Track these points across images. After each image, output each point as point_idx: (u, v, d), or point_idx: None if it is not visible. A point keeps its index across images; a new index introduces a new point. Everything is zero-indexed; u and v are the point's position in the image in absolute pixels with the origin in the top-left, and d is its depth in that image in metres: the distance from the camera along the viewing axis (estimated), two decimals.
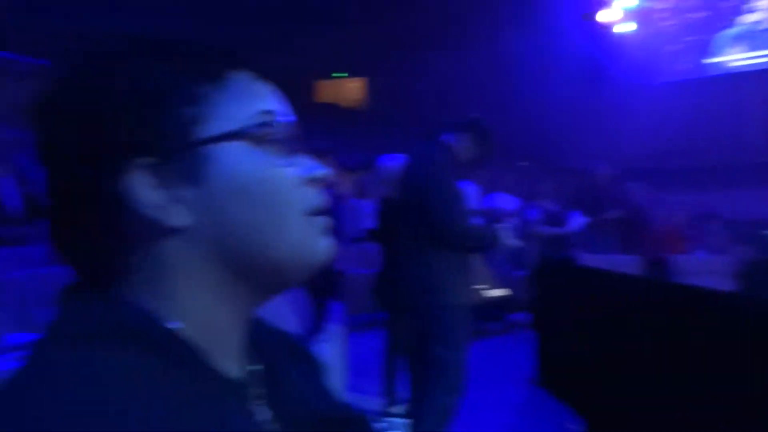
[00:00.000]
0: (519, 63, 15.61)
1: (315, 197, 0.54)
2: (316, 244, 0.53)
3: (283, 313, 2.70)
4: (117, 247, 0.48)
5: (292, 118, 0.55)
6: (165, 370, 0.44)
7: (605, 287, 3.55)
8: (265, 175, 0.50)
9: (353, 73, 28.24)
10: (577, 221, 6.16)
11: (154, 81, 0.48)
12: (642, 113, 14.02)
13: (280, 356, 0.63)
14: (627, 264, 4.87)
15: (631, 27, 14.48)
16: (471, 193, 5.57)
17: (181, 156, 0.48)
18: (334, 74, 28.06)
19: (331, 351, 2.06)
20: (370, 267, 6.51)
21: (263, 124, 0.51)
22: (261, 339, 0.61)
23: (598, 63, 14.81)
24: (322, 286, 6.25)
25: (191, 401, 0.44)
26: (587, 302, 3.68)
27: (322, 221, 0.54)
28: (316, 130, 18.36)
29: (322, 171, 0.54)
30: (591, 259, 4.90)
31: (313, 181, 0.54)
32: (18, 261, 3.76)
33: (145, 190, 0.47)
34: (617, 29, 14.73)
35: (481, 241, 2.60)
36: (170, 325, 0.47)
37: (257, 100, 0.52)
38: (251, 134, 0.50)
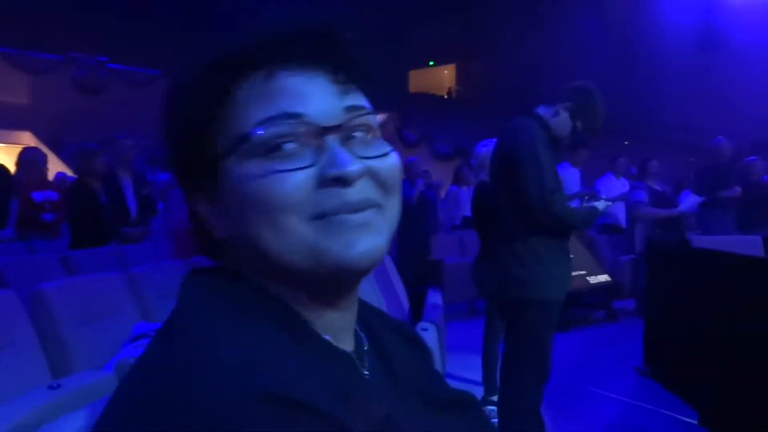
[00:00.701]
0: (625, 34, 14.78)
1: (329, 199, 0.50)
2: (330, 246, 0.50)
3: (382, 304, 2.76)
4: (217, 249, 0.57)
5: (317, 115, 0.51)
6: (289, 339, 0.50)
7: (722, 270, 3.32)
8: (257, 188, 0.50)
9: (446, 61, 28.05)
10: (689, 201, 5.77)
11: (178, 112, 0.55)
12: (763, 81, 12.82)
13: (394, 341, 0.68)
14: (747, 245, 4.50)
15: None
16: (570, 179, 5.40)
17: (202, 178, 0.54)
18: (431, 63, 28.04)
19: (430, 340, 2.08)
20: (468, 255, 6.51)
21: (258, 133, 0.50)
22: (375, 325, 0.67)
23: (714, 31, 13.67)
24: (420, 275, 6.33)
25: (315, 365, 0.49)
26: (702, 287, 3.46)
27: (342, 222, 0.51)
28: (411, 119, 18.36)
29: (340, 170, 0.50)
30: (706, 241, 4.56)
31: (328, 180, 0.50)
32: (139, 257, 4.11)
33: (199, 206, 0.55)
34: None
35: (574, 219, 2.38)
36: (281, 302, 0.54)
37: (261, 105, 0.51)
38: (246, 146, 0.50)
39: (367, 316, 0.67)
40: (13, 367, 1.97)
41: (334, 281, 0.53)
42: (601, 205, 2.50)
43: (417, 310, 3.02)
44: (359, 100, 0.55)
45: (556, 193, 2.28)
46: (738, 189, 6.09)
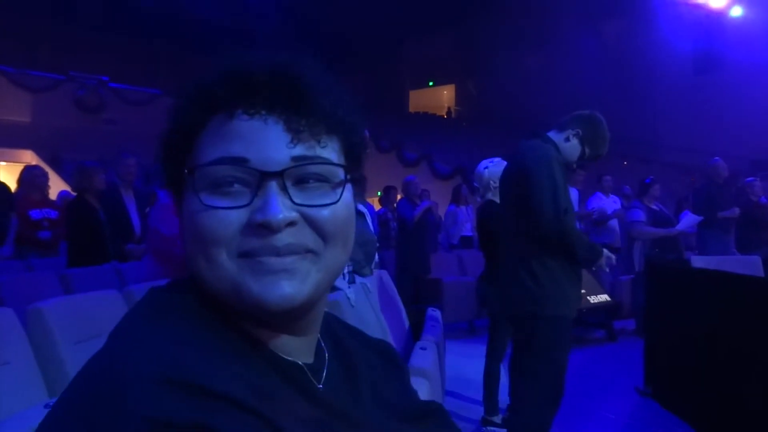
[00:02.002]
0: (623, 55, 14.91)
1: (253, 241, 0.53)
2: (249, 286, 0.53)
3: (382, 322, 2.75)
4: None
5: (259, 161, 0.53)
6: (221, 344, 0.53)
7: (722, 291, 3.31)
8: (196, 218, 0.54)
9: (445, 81, 28.28)
10: (687, 221, 5.78)
11: (168, 136, 0.59)
12: (763, 102, 12.90)
13: (365, 356, 0.70)
14: (746, 265, 4.50)
15: (741, 11, 13.38)
16: (572, 198, 5.42)
17: (173, 188, 0.59)
18: (431, 83, 28.27)
19: (429, 358, 2.07)
20: (466, 274, 6.50)
21: (205, 169, 0.54)
22: (345, 339, 0.70)
23: (712, 51, 13.80)
24: (419, 294, 6.31)
25: (239, 366, 0.51)
26: (702, 307, 3.45)
27: (264, 264, 0.53)
28: (410, 138, 18.44)
29: (267, 217, 0.52)
30: (706, 261, 4.56)
31: (257, 225, 0.52)
32: (137, 275, 4.09)
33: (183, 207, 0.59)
34: (733, 13, 13.64)
35: (580, 244, 2.42)
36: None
37: (215, 145, 0.55)
38: (197, 179, 0.54)
39: (339, 331, 0.71)
40: (9, 386, 1.95)
41: (259, 315, 0.55)
42: (606, 253, 2.54)
43: (417, 328, 3.01)
44: (313, 149, 0.55)
45: (569, 212, 2.35)
46: (736, 210, 6.10)
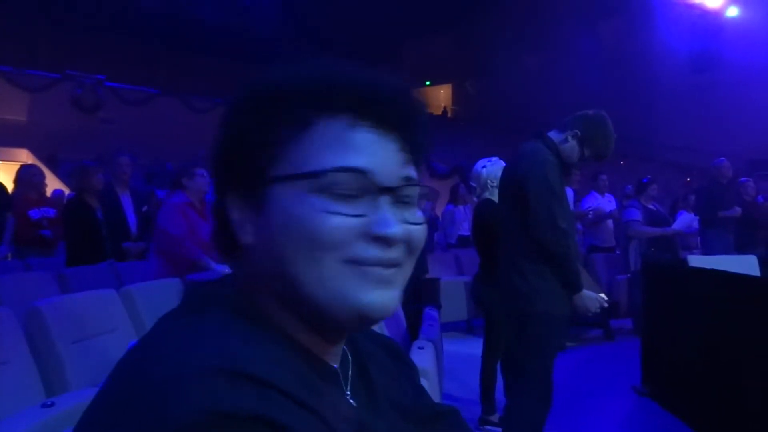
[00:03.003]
0: (621, 55, 14.93)
1: (371, 250, 0.54)
2: (357, 293, 0.54)
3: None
4: (231, 252, 0.60)
5: (381, 176, 0.56)
6: (270, 342, 0.53)
7: (718, 290, 3.33)
8: (306, 217, 0.53)
9: (442, 81, 28.28)
10: (685, 220, 5.79)
11: (244, 126, 0.57)
12: (759, 102, 12.92)
13: (378, 356, 0.71)
14: (743, 264, 4.51)
15: (737, 11, 13.40)
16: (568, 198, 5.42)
17: (256, 188, 0.56)
18: (427, 83, 28.26)
19: (427, 358, 2.08)
20: (464, 274, 6.50)
21: (314, 174, 0.54)
22: (359, 339, 0.70)
23: (708, 51, 13.81)
24: (417, 293, 6.31)
25: (289, 364, 0.51)
26: (698, 306, 3.46)
27: (374, 275, 0.55)
28: None
29: (389, 231, 0.54)
30: (702, 261, 4.57)
31: (376, 237, 0.54)
32: (135, 274, 4.09)
33: (232, 210, 0.58)
34: (729, 13, 13.66)
35: (569, 273, 2.36)
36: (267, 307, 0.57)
37: (334, 150, 0.55)
38: (312, 181, 0.54)
39: (355, 335, 0.71)
40: (6, 385, 1.95)
41: (343, 325, 0.57)
42: (599, 298, 2.50)
43: (414, 328, 3.01)
44: (414, 172, 0.60)
45: (569, 237, 2.35)
46: (738, 209, 6.13)
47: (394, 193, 0.56)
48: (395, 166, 0.57)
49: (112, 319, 2.57)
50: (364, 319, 0.55)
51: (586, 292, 2.46)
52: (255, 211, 0.57)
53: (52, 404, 1.56)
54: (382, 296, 0.55)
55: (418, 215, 0.59)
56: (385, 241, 0.55)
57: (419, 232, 0.59)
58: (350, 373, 0.64)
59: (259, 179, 0.56)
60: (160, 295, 3.03)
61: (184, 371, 0.44)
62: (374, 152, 0.56)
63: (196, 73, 18.96)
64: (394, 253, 0.56)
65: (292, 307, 0.56)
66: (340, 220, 0.54)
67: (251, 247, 0.57)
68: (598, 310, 2.51)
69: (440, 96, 28.74)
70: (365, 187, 0.55)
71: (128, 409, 0.45)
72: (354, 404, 0.59)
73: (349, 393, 0.61)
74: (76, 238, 4.51)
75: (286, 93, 0.56)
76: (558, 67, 17.40)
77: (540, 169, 2.36)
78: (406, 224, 0.57)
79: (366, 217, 0.55)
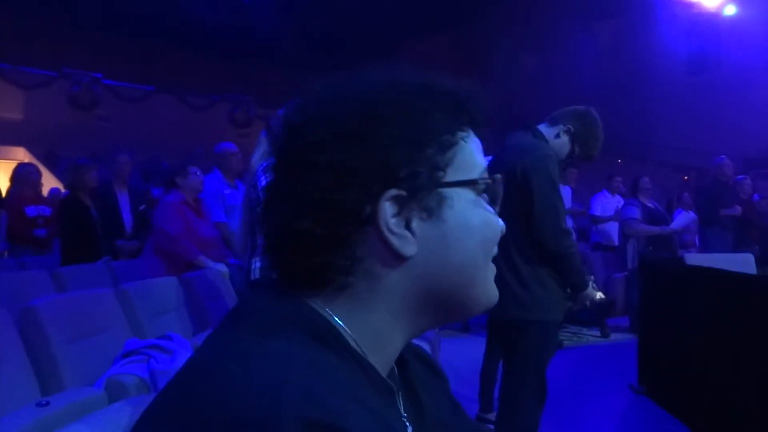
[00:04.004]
0: (619, 55, 14.93)
1: (496, 246, 0.61)
2: (493, 287, 0.61)
3: None
4: (348, 263, 0.54)
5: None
6: (337, 362, 0.50)
7: (715, 288, 3.33)
8: (486, 219, 0.58)
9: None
10: (682, 219, 5.80)
11: (427, 127, 0.56)
12: (756, 101, 12.94)
13: (419, 370, 0.69)
14: (739, 262, 4.52)
15: (734, 10, 13.40)
16: (564, 196, 5.43)
17: (426, 194, 0.55)
18: None
19: None
20: None
21: (488, 177, 0.60)
22: (403, 356, 0.66)
23: (706, 51, 13.82)
24: None
25: (357, 387, 0.49)
26: (695, 304, 3.47)
27: (495, 269, 0.61)
28: None
29: (504, 228, 0.62)
30: (699, 259, 4.58)
31: (500, 233, 0.61)
32: (130, 273, 4.08)
33: (389, 216, 0.53)
34: (727, 12, 13.66)
35: (573, 273, 2.32)
36: (342, 329, 0.54)
37: (481, 156, 0.61)
38: (480, 184, 0.58)
39: None
40: (1, 384, 1.94)
41: (465, 315, 0.61)
42: (597, 295, 2.48)
43: None
44: None
45: (570, 237, 2.30)
46: (739, 208, 6.14)
47: None
48: None
49: (107, 318, 2.56)
50: (486, 309, 0.61)
51: (591, 287, 2.44)
52: (425, 219, 0.55)
53: (47, 403, 1.55)
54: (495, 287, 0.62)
55: None
56: (499, 237, 0.61)
57: None
58: (400, 392, 0.62)
59: (435, 183, 0.55)
60: (156, 294, 3.02)
61: (282, 419, 0.41)
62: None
63: (193, 71, 18.91)
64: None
65: (431, 310, 0.58)
66: (500, 220, 0.61)
67: (409, 259, 0.54)
68: (597, 302, 2.48)
69: None
70: (497, 190, 0.61)
71: None
72: (411, 429, 0.58)
73: (405, 416, 0.60)
74: (71, 237, 4.50)
75: (460, 101, 0.60)
76: (556, 66, 17.40)
77: (543, 165, 2.26)
78: None
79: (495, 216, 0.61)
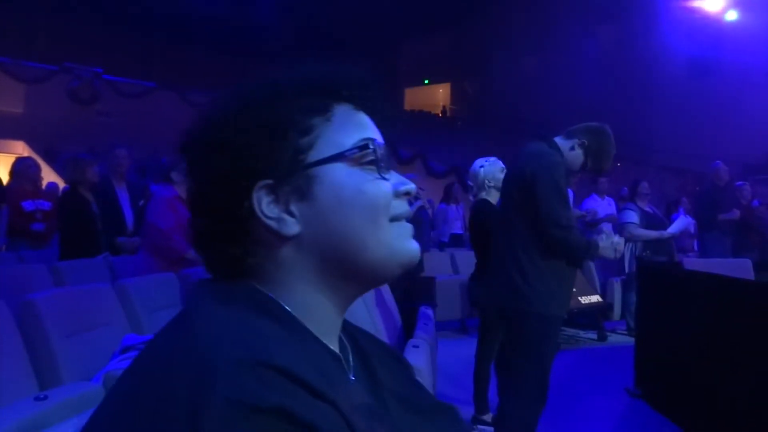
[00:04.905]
0: (619, 58, 14.95)
1: (401, 206, 0.64)
2: (403, 245, 0.63)
3: (375, 319, 2.76)
4: (244, 251, 0.60)
5: (382, 142, 0.65)
6: (283, 330, 0.55)
7: (712, 292, 3.34)
8: (361, 188, 0.61)
9: (441, 80, 28.26)
10: (681, 223, 5.81)
11: (277, 119, 0.60)
12: (756, 107, 12.96)
13: (378, 353, 0.73)
14: (737, 268, 4.54)
15: (736, 15, 13.42)
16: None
17: (294, 178, 0.60)
18: (426, 81, 28.25)
19: (422, 357, 2.08)
20: (459, 273, 6.51)
21: (360, 148, 0.62)
22: (360, 338, 0.73)
23: (707, 56, 13.84)
24: (412, 292, 6.30)
25: (307, 353, 0.54)
26: (692, 309, 3.47)
27: (407, 227, 0.65)
28: (405, 136, 18.48)
29: (409, 186, 0.65)
30: (697, 263, 4.60)
31: (401, 194, 0.64)
32: (129, 268, 4.08)
33: (264, 205, 0.59)
34: (728, 17, 13.68)
35: (579, 251, 2.43)
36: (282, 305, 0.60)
37: (356, 129, 0.63)
38: (350, 156, 0.61)
39: (352, 330, 0.74)
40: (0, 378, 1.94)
41: (377, 278, 0.64)
42: (612, 239, 2.52)
43: (409, 327, 3.01)
44: None
45: (573, 228, 2.39)
46: (737, 212, 6.16)
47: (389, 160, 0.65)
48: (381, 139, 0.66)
49: (106, 313, 2.56)
50: (406, 268, 0.64)
51: (601, 246, 2.48)
52: (299, 199, 0.60)
53: (45, 397, 1.56)
54: (416, 244, 0.65)
55: None
56: (407, 196, 0.65)
57: None
58: (351, 359, 0.67)
59: (299, 166, 0.60)
60: (155, 290, 3.02)
61: (216, 361, 0.46)
62: (373, 128, 0.66)
63: (194, 67, 18.90)
64: (408, 207, 0.66)
65: (340, 279, 0.61)
66: (384, 184, 0.62)
67: (296, 238, 0.60)
68: (619, 255, 2.53)
69: (439, 95, 28.72)
70: (382, 155, 0.63)
71: (158, 393, 0.47)
72: (357, 389, 0.60)
73: (353, 378, 0.64)
74: (71, 231, 4.49)
75: (313, 85, 0.63)
76: (557, 68, 17.41)
77: (548, 170, 2.39)
78: None
79: (389, 180, 0.64)
